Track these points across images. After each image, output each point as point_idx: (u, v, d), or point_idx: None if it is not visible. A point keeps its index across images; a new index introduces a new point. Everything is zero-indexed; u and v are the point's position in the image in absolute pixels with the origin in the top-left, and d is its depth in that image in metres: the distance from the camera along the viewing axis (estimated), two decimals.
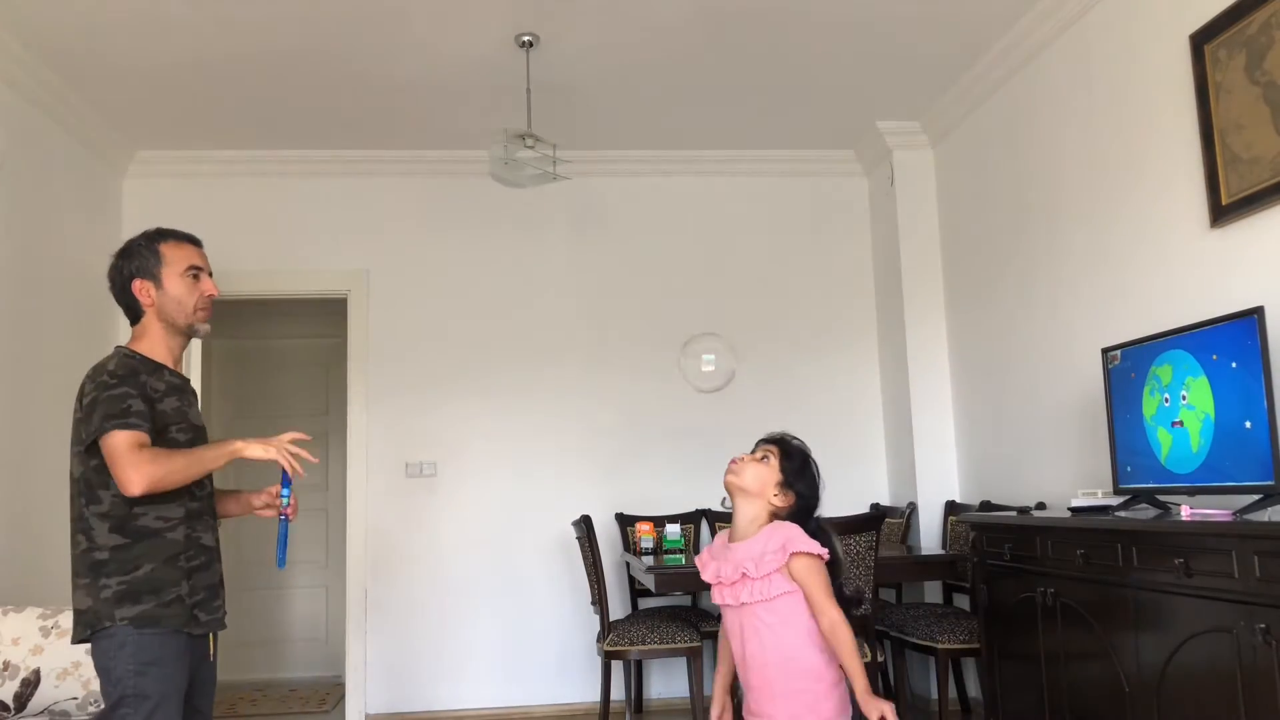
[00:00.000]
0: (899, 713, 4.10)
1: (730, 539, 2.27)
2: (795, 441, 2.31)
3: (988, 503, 3.98)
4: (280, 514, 2.30)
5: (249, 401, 6.43)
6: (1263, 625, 2.06)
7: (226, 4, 3.60)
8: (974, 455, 4.63)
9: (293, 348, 6.49)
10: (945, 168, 4.90)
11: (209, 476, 2.25)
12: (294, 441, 2.21)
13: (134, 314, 2.25)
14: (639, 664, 4.78)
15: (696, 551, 4.54)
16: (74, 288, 4.46)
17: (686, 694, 4.78)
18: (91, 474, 2.07)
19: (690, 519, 4.93)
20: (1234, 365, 2.53)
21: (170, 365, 2.24)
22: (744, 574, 2.16)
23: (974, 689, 4.33)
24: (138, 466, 1.97)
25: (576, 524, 4.21)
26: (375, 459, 5.00)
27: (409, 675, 4.88)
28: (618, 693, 4.74)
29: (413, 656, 4.88)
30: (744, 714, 2.27)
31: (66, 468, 4.31)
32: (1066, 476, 3.82)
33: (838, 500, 4.91)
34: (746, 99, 4.62)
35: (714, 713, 2.35)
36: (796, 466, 2.24)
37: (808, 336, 5.29)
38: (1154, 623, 2.44)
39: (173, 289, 2.23)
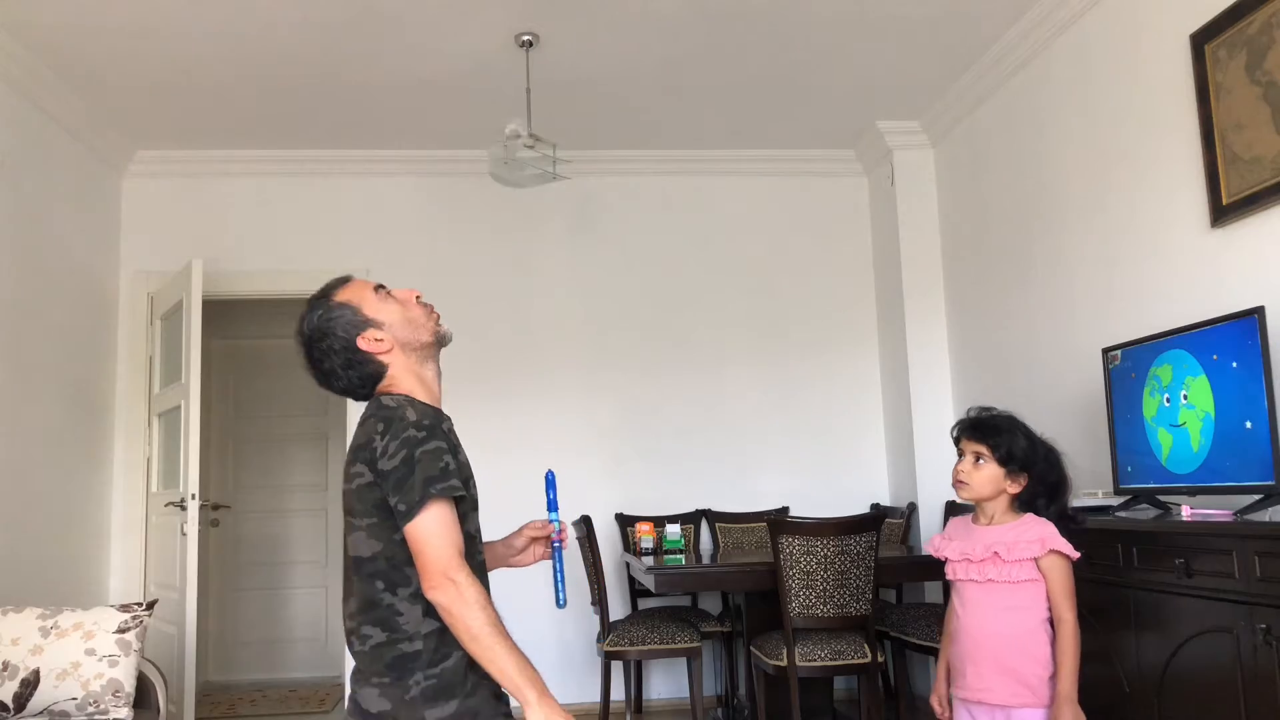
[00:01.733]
0: (898, 713, 4.12)
1: (976, 522, 2.42)
2: (996, 424, 2.38)
3: None
4: (555, 540, 2.04)
5: (249, 401, 6.43)
6: (1263, 625, 2.05)
7: (226, 5, 3.60)
8: None
9: (293, 348, 6.39)
10: (945, 168, 4.90)
11: (480, 536, 1.93)
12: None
13: (374, 377, 1.94)
14: (639, 664, 4.77)
15: (696, 552, 4.54)
16: (73, 287, 4.45)
17: (686, 694, 4.78)
18: (397, 549, 1.73)
19: (690, 519, 4.92)
20: (1234, 365, 2.53)
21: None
22: (995, 554, 2.31)
23: None
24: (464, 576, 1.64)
25: (576, 524, 4.21)
26: None
27: None
28: (618, 693, 4.73)
29: None
30: (956, 691, 2.40)
31: (65, 466, 4.35)
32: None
33: (838, 500, 4.95)
34: (746, 99, 4.61)
35: (939, 692, 2.50)
36: (1005, 452, 2.34)
37: (808, 336, 5.29)
38: (1154, 623, 2.44)
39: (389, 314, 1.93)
